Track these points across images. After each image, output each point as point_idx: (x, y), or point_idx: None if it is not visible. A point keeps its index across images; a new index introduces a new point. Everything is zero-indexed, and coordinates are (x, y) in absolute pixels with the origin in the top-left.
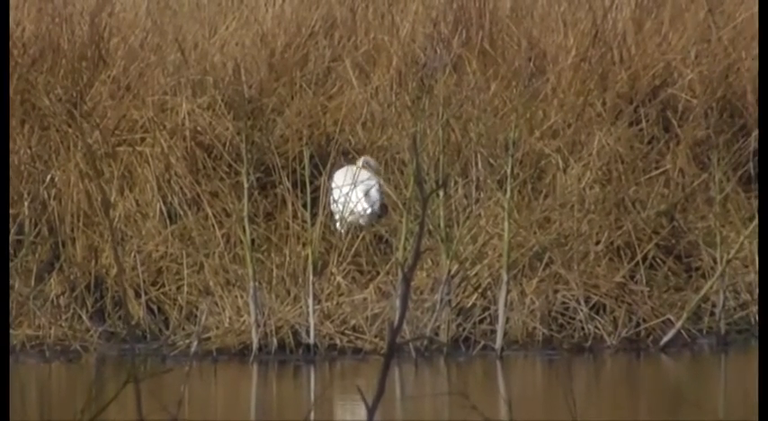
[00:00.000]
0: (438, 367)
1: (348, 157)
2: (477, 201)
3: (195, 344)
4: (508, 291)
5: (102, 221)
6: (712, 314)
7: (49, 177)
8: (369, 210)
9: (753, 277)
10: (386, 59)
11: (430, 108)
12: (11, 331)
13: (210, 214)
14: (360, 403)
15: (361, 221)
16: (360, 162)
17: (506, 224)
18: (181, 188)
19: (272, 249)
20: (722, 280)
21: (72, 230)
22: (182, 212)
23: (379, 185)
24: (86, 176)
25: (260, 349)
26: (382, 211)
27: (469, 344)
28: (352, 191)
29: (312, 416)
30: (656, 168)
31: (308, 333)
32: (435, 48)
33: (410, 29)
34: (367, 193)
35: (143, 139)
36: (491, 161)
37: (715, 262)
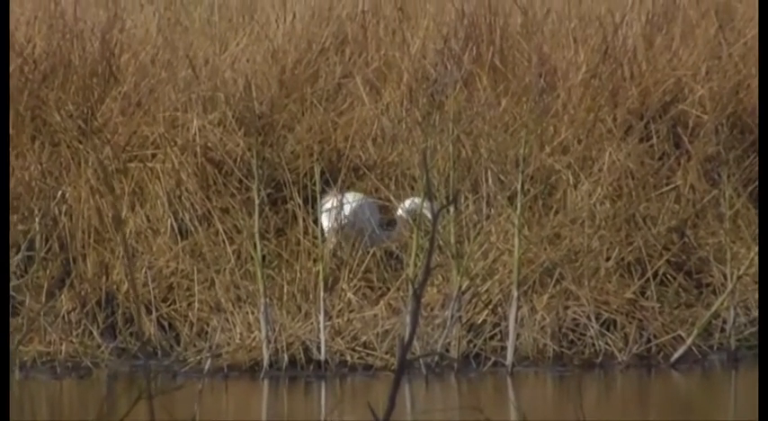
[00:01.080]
0: (449, 383)
1: (358, 173)
2: (488, 217)
3: (208, 361)
4: (519, 308)
5: (113, 237)
6: (723, 330)
7: (59, 193)
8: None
9: None
10: (396, 76)
11: (440, 124)
12: (21, 347)
13: (221, 230)
14: (370, 419)
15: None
16: (405, 204)
17: (517, 240)
18: (192, 204)
19: (283, 265)
20: (733, 296)
21: (83, 246)
22: (192, 228)
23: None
24: (97, 192)
25: (271, 365)
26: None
27: (480, 361)
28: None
29: None
30: (667, 184)
31: (318, 349)
32: (446, 64)
33: (421, 45)
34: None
35: (154, 155)
36: (501, 177)
37: (725, 278)
